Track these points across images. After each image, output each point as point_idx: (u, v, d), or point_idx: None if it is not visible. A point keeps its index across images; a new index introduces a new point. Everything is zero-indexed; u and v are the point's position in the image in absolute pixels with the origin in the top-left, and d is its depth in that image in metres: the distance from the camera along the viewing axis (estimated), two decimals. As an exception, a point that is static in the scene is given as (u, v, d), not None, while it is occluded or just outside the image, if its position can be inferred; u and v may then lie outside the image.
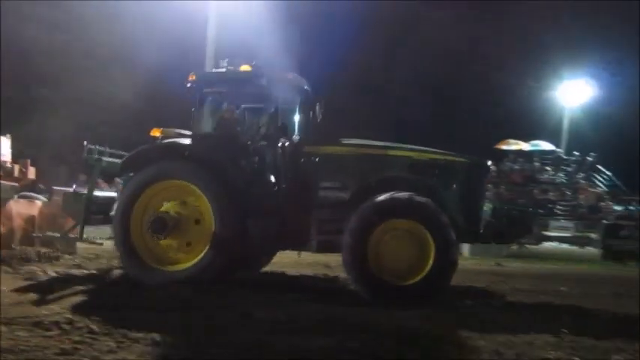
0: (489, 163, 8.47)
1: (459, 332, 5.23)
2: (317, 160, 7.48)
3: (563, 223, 20.86)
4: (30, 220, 9.51)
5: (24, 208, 9.75)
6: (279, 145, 7.56)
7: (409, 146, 7.77)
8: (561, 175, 25.39)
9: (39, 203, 10.17)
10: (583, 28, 30.59)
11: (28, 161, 14.76)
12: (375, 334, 4.90)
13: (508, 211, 8.82)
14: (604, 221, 17.73)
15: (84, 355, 4.08)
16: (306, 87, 8.07)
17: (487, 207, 8.10)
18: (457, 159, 7.65)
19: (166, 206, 7.23)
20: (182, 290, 6.44)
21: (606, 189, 24.71)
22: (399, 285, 6.69)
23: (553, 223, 20.67)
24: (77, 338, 4.46)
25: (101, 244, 8.42)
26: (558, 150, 27.64)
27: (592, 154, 25.83)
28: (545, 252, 16.67)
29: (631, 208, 19.73)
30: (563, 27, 31.04)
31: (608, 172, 25.27)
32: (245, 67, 7.70)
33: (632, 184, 23.59)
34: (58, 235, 8.54)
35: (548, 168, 26.37)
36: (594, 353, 4.74)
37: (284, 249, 7.97)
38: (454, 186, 7.41)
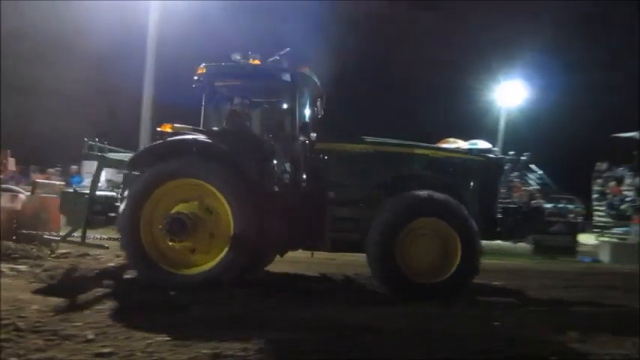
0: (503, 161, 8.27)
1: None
2: (335, 157, 7.42)
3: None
4: (13, 216, 8.92)
5: (7, 202, 9.16)
6: (299, 142, 7.36)
7: (425, 144, 7.88)
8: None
9: (23, 197, 9.52)
10: (518, 31, 31.70)
11: (9, 152, 13.83)
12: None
13: (520, 209, 8.88)
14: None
15: (10, 354, 3.92)
16: (317, 82, 7.93)
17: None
18: (473, 157, 7.88)
19: (183, 206, 6.82)
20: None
21: (538, 187, 25.78)
22: (426, 283, 6.74)
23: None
24: (4, 336, 4.29)
25: (107, 247, 8.02)
26: (495, 149, 28.54)
27: (525, 153, 26.85)
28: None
29: (560, 205, 20.60)
30: (501, 30, 32.06)
31: (540, 171, 26.36)
32: (255, 61, 7.56)
33: (562, 183, 24.65)
34: (58, 238, 8.11)
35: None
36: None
37: (299, 248, 7.69)
38: (470, 184, 7.49)
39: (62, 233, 8.26)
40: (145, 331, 4.72)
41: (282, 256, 7.70)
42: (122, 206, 7.00)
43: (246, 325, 5.15)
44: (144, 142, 20.30)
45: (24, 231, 8.53)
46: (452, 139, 27.84)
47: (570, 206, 19.64)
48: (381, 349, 4.60)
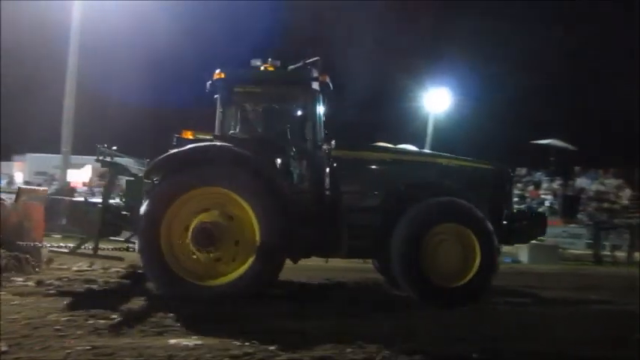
0: (510, 169, 8.58)
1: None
2: (353, 165, 7.42)
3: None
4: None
5: None
6: (321, 150, 7.32)
7: (437, 153, 8.06)
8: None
9: (8, 204, 8.54)
10: (445, 38, 32.80)
11: None
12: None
13: (526, 213, 9.23)
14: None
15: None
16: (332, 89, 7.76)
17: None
18: (482, 166, 7.98)
19: (204, 215, 6.59)
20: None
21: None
22: (449, 287, 6.89)
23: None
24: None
25: (122, 259, 7.53)
26: (423, 153, 29.35)
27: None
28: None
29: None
30: (429, 37, 33.04)
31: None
32: (270, 67, 7.51)
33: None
34: (67, 250, 7.62)
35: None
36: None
37: (319, 256, 7.68)
38: (481, 191, 7.58)
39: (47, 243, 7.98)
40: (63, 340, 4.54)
41: (295, 262, 7.33)
42: (141, 215, 6.64)
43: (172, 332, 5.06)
44: (65, 144, 19.58)
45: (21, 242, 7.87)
46: (381, 143, 28.49)
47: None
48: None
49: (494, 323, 5.98)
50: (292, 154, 7.45)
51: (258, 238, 6.59)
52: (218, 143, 7.04)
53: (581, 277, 11.39)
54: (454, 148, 28.47)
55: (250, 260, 6.57)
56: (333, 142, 7.43)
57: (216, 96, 7.67)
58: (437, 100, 32.23)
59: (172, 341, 4.77)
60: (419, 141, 30.53)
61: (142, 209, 6.64)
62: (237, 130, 7.80)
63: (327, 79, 7.51)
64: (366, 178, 7.44)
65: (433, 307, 6.56)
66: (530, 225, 8.10)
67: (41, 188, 11.29)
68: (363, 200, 7.31)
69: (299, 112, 7.88)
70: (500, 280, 7.73)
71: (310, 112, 7.51)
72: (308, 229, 6.86)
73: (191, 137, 7.23)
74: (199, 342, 4.74)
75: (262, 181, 6.68)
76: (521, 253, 14.75)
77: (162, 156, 6.89)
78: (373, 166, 7.56)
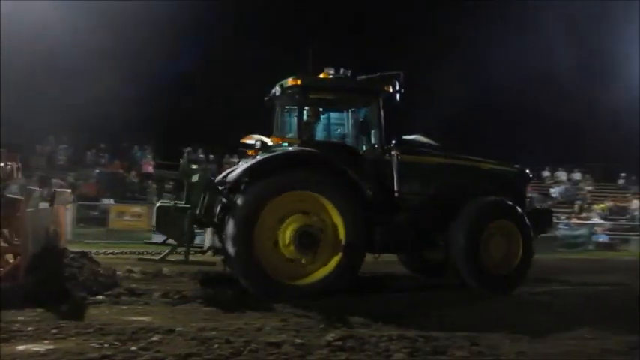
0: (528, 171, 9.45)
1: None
2: (416, 168, 7.99)
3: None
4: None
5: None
6: (389, 155, 7.81)
7: (474, 157, 8.72)
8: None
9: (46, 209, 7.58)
10: (332, 34, 33.41)
11: (18, 157, 10.45)
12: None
13: (537, 210, 9.78)
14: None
15: None
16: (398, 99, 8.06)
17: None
18: (507, 168, 8.97)
19: (303, 219, 7.03)
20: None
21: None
22: (500, 274, 7.77)
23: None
24: None
25: (214, 263, 7.48)
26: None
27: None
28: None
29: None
30: (318, 33, 33.43)
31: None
32: (324, 75, 7.95)
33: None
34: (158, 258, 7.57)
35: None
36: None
37: (387, 252, 8.13)
38: (508, 190, 8.38)
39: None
40: None
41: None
42: (232, 220, 6.79)
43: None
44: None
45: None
46: (256, 136, 28.49)
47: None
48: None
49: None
50: (366, 158, 7.88)
51: (343, 237, 7.06)
52: (306, 149, 7.39)
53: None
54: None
55: (336, 258, 7.06)
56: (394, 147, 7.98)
57: (266, 98, 8.55)
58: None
59: (21, 347, 4.40)
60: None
61: (235, 213, 6.82)
62: (311, 135, 8.06)
63: (391, 89, 7.92)
64: (425, 181, 8.08)
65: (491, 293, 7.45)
66: (541, 220, 8.88)
67: (68, 190, 11.20)
68: (425, 200, 7.94)
69: (367, 119, 8.26)
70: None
71: (377, 119, 7.97)
72: (382, 227, 7.40)
73: (279, 142, 7.80)
74: (52, 346, 4.40)
75: (347, 184, 7.19)
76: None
77: (256, 160, 7.29)
78: (431, 170, 8.18)
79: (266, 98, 8.77)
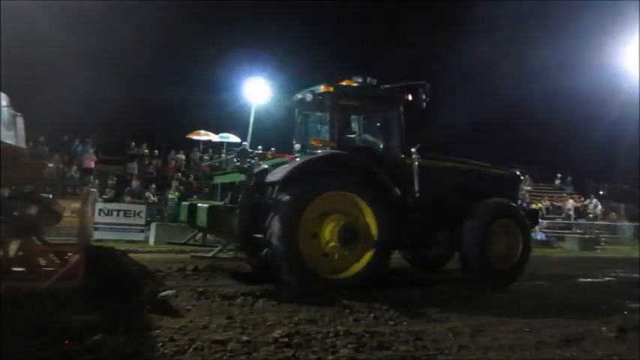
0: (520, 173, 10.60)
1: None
2: (433, 171, 8.53)
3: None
4: None
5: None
6: (412, 158, 8.33)
7: (478, 162, 9.47)
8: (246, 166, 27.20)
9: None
10: (268, 29, 33.31)
11: (46, 149, 9.40)
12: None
13: (525, 209, 10.59)
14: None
15: None
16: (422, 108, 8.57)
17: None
18: (505, 172, 9.95)
19: (344, 218, 7.52)
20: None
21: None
22: (502, 269, 8.55)
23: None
24: None
25: (243, 259, 8.00)
26: (244, 143, 29.54)
27: (273, 149, 28.37)
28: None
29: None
30: (251, 28, 33.26)
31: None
32: (349, 82, 8.44)
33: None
34: (210, 255, 7.65)
35: (235, 159, 28.00)
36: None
37: (408, 249, 9.17)
38: (503, 191, 9.19)
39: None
40: None
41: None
42: (278, 215, 7.14)
43: None
44: None
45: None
46: (203, 132, 28.08)
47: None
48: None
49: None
50: (389, 161, 8.34)
51: (375, 235, 7.59)
52: (341, 152, 7.94)
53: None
54: (275, 140, 29.24)
55: (368, 254, 7.59)
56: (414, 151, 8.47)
57: (288, 102, 9.22)
58: (259, 90, 32.65)
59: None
60: (242, 131, 30.66)
61: (281, 209, 7.17)
62: (342, 139, 8.41)
63: (410, 98, 8.50)
64: (440, 183, 8.62)
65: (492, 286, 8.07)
66: (530, 218, 9.60)
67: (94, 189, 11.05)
68: (439, 200, 8.48)
69: (390, 125, 8.76)
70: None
71: (398, 125, 8.56)
72: (407, 226, 8.04)
73: (319, 144, 8.20)
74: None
75: (378, 185, 7.79)
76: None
77: (301, 161, 7.61)
78: (445, 173, 8.84)
79: (287, 102, 9.38)
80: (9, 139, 6.19)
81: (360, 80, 8.45)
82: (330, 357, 4.38)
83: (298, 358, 4.32)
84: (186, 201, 9.94)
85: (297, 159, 7.83)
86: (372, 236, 7.64)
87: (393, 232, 7.74)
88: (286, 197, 7.26)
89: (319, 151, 8.05)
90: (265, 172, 7.71)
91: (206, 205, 7.81)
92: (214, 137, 28.34)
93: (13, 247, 6.44)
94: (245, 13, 32.88)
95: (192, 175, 23.64)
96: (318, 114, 9.04)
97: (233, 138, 29.20)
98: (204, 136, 27.70)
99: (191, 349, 4.39)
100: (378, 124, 9.03)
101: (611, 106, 28.34)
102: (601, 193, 29.17)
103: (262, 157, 9.40)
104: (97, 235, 15.33)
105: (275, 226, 7.14)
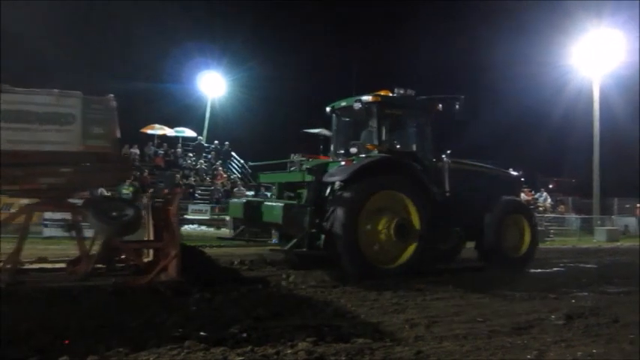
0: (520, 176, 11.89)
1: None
2: (460, 173, 9.67)
3: (201, 206, 22.19)
4: None
5: None
6: (444, 162, 9.55)
7: (489, 166, 10.89)
8: (202, 161, 26.91)
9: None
10: (222, 23, 32.96)
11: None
12: None
13: None
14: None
15: None
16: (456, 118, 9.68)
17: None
18: (511, 174, 11.33)
19: (395, 213, 8.64)
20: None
21: (239, 175, 27.31)
22: (513, 257, 10.07)
23: (192, 207, 21.79)
24: None
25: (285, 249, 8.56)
26: (200, 137, 29.20)
27: (227, 143, 28.14)
28: (186, 234, 17.32)
29: (259, 192, 22.21)
30: (205, 22, 32.84)
31: (241, 160, 27.95)
32: (386, 92, 9.42)
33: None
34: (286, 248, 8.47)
35: (190, 154, 27.63)
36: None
37: (438, 244, 9.72)
38: (510, 192, 10.63)
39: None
40: None
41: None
42: (341, 209, 8.12)
43: None
44: None
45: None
46: (158, 126, 27.58)
47: (268, 194, 21.18)
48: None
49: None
50: (424, 164, 9.36)
51: (419, 229, 8.72)
52: (390, 156, 8.95)
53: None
54: (230, 134, 28.97)
55: (412, 246, 8.71)
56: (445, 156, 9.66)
57: (328, 109, 10.22)
58: (215, 84, 32.30)
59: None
60: (197, 125, 30.24)
61: (344, 205, 8.16)
62: (389, 144, 9.44)
63: (440, 108, 9.62)
64: (466, 183, 9.67)
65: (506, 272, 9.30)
66: None
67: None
68: (464, 199, 9.53)
69: (424, 132, 9.85)
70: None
71: (430, 133, 9.74)
72: (442, 221, 9.14)
73: (374, 149, 8.98)
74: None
75: (421, 185, 8.92)
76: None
77: (360, 164, 8.50)
78: (469, 175, 10.00)
79: (328, 109, 10.28)
80: (98, 138, 6.32)
81: (401, 91, 9.43)
82: (289, 350, 4.40)
83: (256, 353, 4.31)
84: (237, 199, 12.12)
85: (354, 162, 8.74)
86: (416, 231, 8.72)
87: (431, 227, 8.84)
88: (348, 194, 8.29)
89: (373, 155, 8.91)
90: (322, 172, 8.72)
91: (281, 204, 8.67)
92: (169, 131, 27.89)
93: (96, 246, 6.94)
94: (199, 5, 32.42)
95: (146, 170, 23.16)
96: (356, 121, 10.03)
97: (189, 132, 28.82)
98: (158, 130, 27.22)
99: (148, 346, 4.34)
100: (414, 131, 10.11)
101: (560, 101, 29.37)
102: (550, 186, 30.14)
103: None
104: (47, 232, 14.92)
105: (337, 220, 8.11)
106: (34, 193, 6.57)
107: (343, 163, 8.91)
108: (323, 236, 8.37)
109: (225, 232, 17.83)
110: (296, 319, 5.48)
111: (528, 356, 4.56)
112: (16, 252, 6.41)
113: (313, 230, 8.33)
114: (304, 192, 9.10)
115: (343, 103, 9.89)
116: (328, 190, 8.69)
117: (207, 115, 32.15)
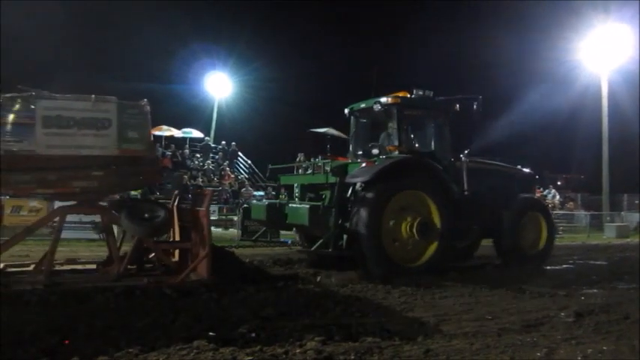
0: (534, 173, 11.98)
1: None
2: (476, 173, 9.72)
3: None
4: None
5: None
6: (462, 161, 9.65)
7: (507, 164, 11.05)
8: (209, 161, 26.97)
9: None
10: (228, 25, 33.00)
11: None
12: None
13: None
14: (245, 205, 19.50)
15: None
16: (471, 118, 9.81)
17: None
18: (525, 172, 11.36)
19: (418, 214, 8.70)
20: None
21: (247, 175, 27.35)
22: (533, 254, 10.31)
23: (200, 208, 21.78)
24: None
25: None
26: (207, 138, 29.25)
27: (233, 143, 28.18)
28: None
29: (268, 192, 22.25)
30: (212, 23, 32.88)
31: (248, 160, 27.98)
32: (404, 94, 9.41)
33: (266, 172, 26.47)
34: (312, 249, 8.58)
35: (197, 155, 27.69)
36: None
37: (458, 242, 9.62)
38: (524, 189, 10.81)
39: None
40: None
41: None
42: (365, 209, 8.22)
43: None
44: None
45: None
46: (165, 127, 27.65)
47: (274, 193, 21.17)
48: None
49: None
50: (446, 164, 9.49)
51: (440, 227, 8.80)
52: (412, 157, 9.11)
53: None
54: (237, 134, 28.99)
55: (434, 245, 8.79)
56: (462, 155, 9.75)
57: (347, 110, 10.30)
58: (221, 85, 32.36)
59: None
60: (205, 126, 30.31)
61: (367, 204, 8.25)
62: (409, 145, 9.61)
63: (457, 109, 9.71)
64: (483, 182, 9.77)
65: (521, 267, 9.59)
66: None
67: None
68: (482, 197, 9.66)
69: (442, 132, 9.88)
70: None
71: (451, 132, 9.82)
72: (462, 219, 9.25)
73: (395, 150, 9.13)
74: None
75: (442, 185, 9.04)
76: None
77: (383, 164, 8.57)
78: (486, 174, 10.10)
79: (347, 111, 10.37)
80: (133, 142, 6.46)
81: (420, 92, 9.49)
82: (298, 350, 4.40)
83: (265, 352, 4.32)
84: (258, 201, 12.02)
85: (376, 163, 8.83)
86: (437, 229, 8.81)
87: (452, 225, 8.98)
88: (371, 195, 8.37)
89: (394, 156, 9.02)
90: (345, 173, 8.82)
91: (307, 206, 8.81)
92: (177, 132, 27.95)
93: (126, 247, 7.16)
94: (205, 5, 32.46)
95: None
96: (375, 122, 10.16)
97: (196, 133, 28.88)
98: (166, 131, 27.28)
99: (158, 346, 4.36)
100: (433, 131, 10.07)
101: (569, 99, 29.17)
102: (559, 183, 29.99)
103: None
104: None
105: (362, 220, 8.20)
106: (69, 196, 6.78)
107: (364, 164, 8.96)
108: (345, 236, 8.45)
109: (232, 232, 17.84)
110: (305, 319, 5.48)
111: (538, 354, 4.54)
112: (50, 254, 6.60)
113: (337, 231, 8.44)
114: (327, 193, 9.24)
115: (362, 105, 10.01)
116: (350, 191, 8.81)
117: (215, 115, 32.19)
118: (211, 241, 6.69)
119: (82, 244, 12.41)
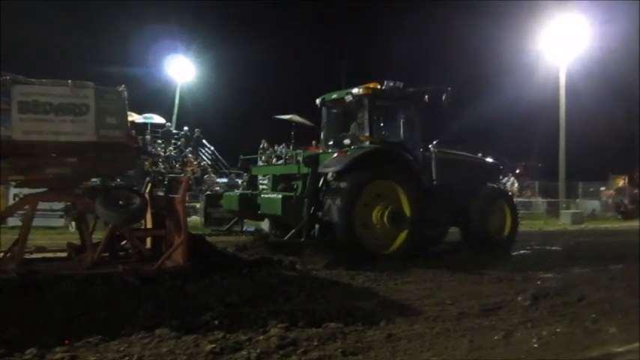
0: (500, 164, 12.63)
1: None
2: (445, 163, 10.00)
3: (171, 194, 21.89)
4: None
5: None
6: (430, 151, 9.95)
7: (472, 155, 11.61)
8: (171, 148, 26.57)
9: None
10: (190, 7, 32.41)
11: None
12: None
13: None
14: (207, 192, 19.32)
15: None
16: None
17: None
18: (492, 162, 11.93)
19: (390, 203, 8.90)
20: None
21: (210, 162, 27.08)
22: (500, 240, 10.70)
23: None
24: None
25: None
26: (169, 124, 28.76)
27: (198, 130, 27.81)
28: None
29: (231, 179, 22.09)
30: (174, 6, 32.22)
31: (211, 147, 27.69)
32: (375, 85, 9.41)
33: (229, 159, 26.33)
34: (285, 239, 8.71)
35: (159, 141, 27.23)
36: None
37: (428, 230, 9.76)
38: (490, 179, 11.44)
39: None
40: None
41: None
42: (340, 198, 8.35)
43: None
44: None
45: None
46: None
47: (239, 181, 21.06)
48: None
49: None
50: (416, 154, 9.64)
51: (410, 215, 8.97)
52: (382, 147, 9.17)
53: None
54: (200, 120, 28.62)
55: (404, 232, 8.97)
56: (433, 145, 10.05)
57: (319, 100, 10.37)
58: (184, 70, 31.79)
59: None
60: (166, 112, 29.77)
61: (341, 194, 8.38)
62: (379, 135, 9.62)
63: (427, 99, 9.76)
64: (451, 172, 10.01)
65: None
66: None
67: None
68: (450, 187, 9.91)
69: (412, 123, 10.04)
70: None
71: (421, 122, 9.94)
72: (431, 208, 9.39)
73: (367, 140, 9.25)
74: None
75: (411, 174, 9.22)
76: (265, 223, 15.45)
77: (356, 154, 8.67)
78: (454, 164, 10.33)
79: (318, 100, 10.41)
80: (111, 128, 6.32)
81: (391, 83, 9.48)
82: (261, 337, 4.41)
83: (229, 340, 4.31)
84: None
85: (348, 153, 8.92)
86: (408, 218, 8.98)
87: (422, 214, 9.14)
88: (344, 185, 8.49)
89: (365, 146, 9.13)
90: (317, 163, 8.83)
91: (280, 196, 8.89)
92: (138, 118, 27.37)
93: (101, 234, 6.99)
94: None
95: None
96: (346, 113, 10.30)
97: (157, 119, 28.34)
98: (128, 116, 26.69)
99: (119, 336, 4.31)
100: (403, 122, 10.26)
101: (527, 86, 29.79)
102: (517, 171, 30.63)
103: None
104: (12, 221, 14.54)
105: (335, 209, 8.33)
106: (42, 183, 6.57)
107: (337, 154, 9.04)
108: (317, 226, 8.50)
109: (195, 219, 17.66)
110: (269, 305, 5.50)
111: (496, 337, 4.67)
112: (22, 242, 6.39)
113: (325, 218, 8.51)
114: (299, 183, 9.29)
115: (334, 96, 10.08)
116: (322, 181, 8.87)
117: (177, 101, 31.65)
118: (187, 229, 6.61)
119: (39, 232, 12.06)
